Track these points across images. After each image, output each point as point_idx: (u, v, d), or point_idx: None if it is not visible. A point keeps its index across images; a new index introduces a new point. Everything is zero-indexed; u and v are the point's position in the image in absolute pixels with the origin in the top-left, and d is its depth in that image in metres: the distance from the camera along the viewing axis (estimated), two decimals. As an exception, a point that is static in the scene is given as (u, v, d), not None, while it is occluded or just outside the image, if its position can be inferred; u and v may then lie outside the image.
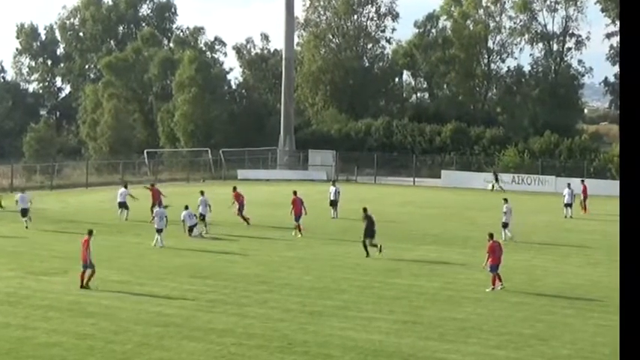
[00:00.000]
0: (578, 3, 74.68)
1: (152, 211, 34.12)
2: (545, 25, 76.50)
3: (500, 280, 22.67)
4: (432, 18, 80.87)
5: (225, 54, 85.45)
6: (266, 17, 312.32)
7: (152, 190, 37.50)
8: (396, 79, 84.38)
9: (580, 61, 76.51)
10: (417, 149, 67.68)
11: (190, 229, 31.96)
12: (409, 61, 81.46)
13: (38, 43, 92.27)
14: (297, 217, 33.17)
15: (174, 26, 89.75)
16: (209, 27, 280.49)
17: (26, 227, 33.89)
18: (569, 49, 76.43)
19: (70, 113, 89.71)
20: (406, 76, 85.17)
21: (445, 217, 40.47)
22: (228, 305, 20.53)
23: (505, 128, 70.79)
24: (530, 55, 78.65)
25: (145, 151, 66.27)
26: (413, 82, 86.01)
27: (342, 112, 75.69)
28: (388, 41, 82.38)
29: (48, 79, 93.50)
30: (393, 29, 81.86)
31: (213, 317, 19.20)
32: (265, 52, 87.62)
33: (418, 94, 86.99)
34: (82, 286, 22.14)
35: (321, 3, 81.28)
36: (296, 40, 76.81)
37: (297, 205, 33.43)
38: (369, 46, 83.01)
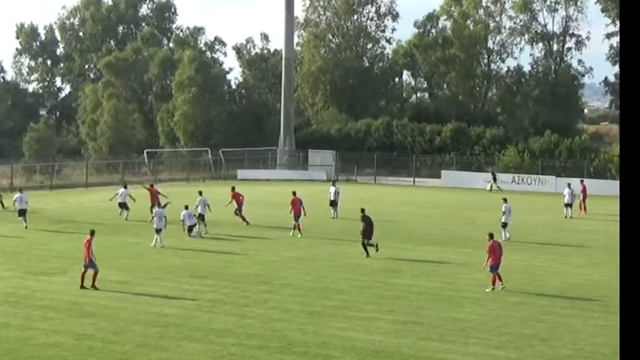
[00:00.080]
0: (578, 3, 74.69)
1: (151, 211, 34.13)
2: (545, 25, 76.57)
3: (500, 280, 22.65)
4: (432, 18, 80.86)
5: (225, 54, 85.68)
6: (266, 17, 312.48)
7: (151, 191, 37.50)
8: (396, 79, 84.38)
9: (580, 61, 76.58)
10: (417, 149, 67.67)
11: (190, 229, 31.95)
12: (409, 61, 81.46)
13: (38, 43, 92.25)
14: (297, 217, 33.18)
15: (174, 26, 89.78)
16: (209, 27, 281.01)
17: (25, 227, 33.88)
18: (570, 49, 76.43)
19: (69, 113, 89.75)
20: (406, 76, 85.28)
21: (445, 217, 40.45)
22: (228, 305, 20.51)
23: (505, 128, 70.81)
24: (531, 55, 78.75)
25: (145, 151, 66.27)
26: (413, 82, 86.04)
27: (342, 112, 75.71)
28: (388, 41, 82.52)
29: (48, 79, 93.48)
30: (393, 29, 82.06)
31: (213, 317, 19.19)
32: (265, 52, 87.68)
33: (418, 94, 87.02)
34: (81, 286, 22.12)
35: (321, 3, 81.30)
36: (296, 40, 76.92)
37: (297, 205, 33.43)
38: (369, 46, 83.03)
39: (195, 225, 32.16)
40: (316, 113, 79.40)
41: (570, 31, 75.75)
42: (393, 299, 21.45)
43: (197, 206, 33.48)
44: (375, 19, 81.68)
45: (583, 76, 77.06)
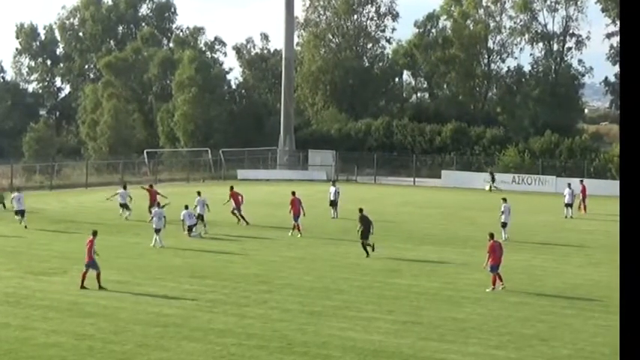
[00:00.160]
0: (579, 3, 74.66)
1: (150, 211, 34.17)
2: (545, 25, 76.55)
3: (500, 280, 22.64)
4: (432, 18, 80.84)
5: (225, 54, 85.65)
6: (266, 17, 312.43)
7: (150, 191, 37.55)
8: (396, 79, 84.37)
9: (580, 61, 76.57)
10: (417, 149, 67.66)
11: (190, 229, 31.96)
12: (409, 61, 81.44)
13: (38, 43, 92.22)
14: (296, 217, 33.17)
15: (173, 26, 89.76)
16: (209, 27, 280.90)
17: (25, 227, 33.92)
18: (570, 48, 76.41)
19: (69, 113, 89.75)
20: (406, 76, 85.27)
21: (445, 217, 40.45)
22: (228, 305, 20.50)
23: (505, 128, 70.79)
24: (531, 54, 78.73)
25: (145, 151, 66.27)
26: (413, 82, 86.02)
27: (342, 112, 75.71)
28: (388, 41, 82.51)
29: (47, 79, 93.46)
30: (393, 29, 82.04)
31: (213, 317, 19.18)
32: (265, 52, 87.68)
33: (418, 94, 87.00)
34: (82, 286, 22.11)
35: (321, 3, 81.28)
36: (296, 40, 76.90)
37: (296, 205, 33.42)
38: (369, 45, 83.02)
39: (195, 225, 32.17)
40: (316, 113, 79.39)
41: (570, 31, 75.78)
42: (393, 299, 21.44)
43: (196, 206, 33.49)
44: (375, 18, 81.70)
45: (583, 75, 77.13)
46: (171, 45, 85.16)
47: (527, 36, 76.79)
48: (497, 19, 78.08)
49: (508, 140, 65.14)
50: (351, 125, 71.92)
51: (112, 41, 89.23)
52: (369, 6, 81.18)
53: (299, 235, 32.58)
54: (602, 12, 74.86)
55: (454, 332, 18.16)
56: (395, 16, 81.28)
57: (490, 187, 54.76)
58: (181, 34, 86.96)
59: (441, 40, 79.09)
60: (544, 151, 62.39)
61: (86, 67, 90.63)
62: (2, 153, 74.09)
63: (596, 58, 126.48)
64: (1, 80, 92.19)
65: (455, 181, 57.76)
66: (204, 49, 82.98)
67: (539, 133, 66.22)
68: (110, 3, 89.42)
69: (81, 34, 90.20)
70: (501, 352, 16.77)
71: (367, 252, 27.91)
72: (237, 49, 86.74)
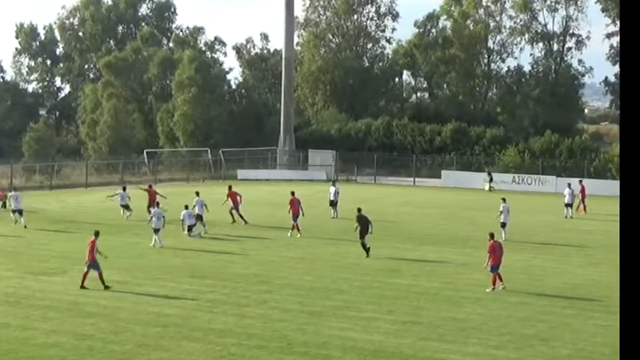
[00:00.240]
0: (579, 3, 74.65)
1: (149, 211, 34.20)
2: (545, 25, 76.55)
3: (501, 280, 22.64)
4: (432, 18, 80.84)
5: (225, 54, 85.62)
6: (266, 17, 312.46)
7: (149, 191, 37.60)
8: (396, 79, 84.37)
9: (580, 61, 76.56)
10: (417, 149, 67.65)
11: (189, 229, 31.96)
12: (409, 60, 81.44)
13: (37, 43, 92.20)
14: (295, 217, 33.16)
15: (173, 26, 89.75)
16: (209, 27, 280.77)
17: (25, 226, 33.95)
18: (570, 48, 76.41)
19: (69, 113, 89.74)
20: (406, 75, 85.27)
21: (445, 217, 40.45)
22: (228, 305, 20.50)
23: (505, 128, 70.79)
24: (531, 54, 78.73)
25: (145, 151, 66.26)
26: (413, 82, 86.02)
27: (342, 112, 75.71)
28: (388, 41, 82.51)
29: (47, 78, 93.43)
30: (393, 29, 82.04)
31: (213, 317, 19.18)
32: (265, 51, 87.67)
33: (418, 94, 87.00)
34: (82, 286, 22.10)
35: (321, 3, 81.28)
36: (296, 39, 76.89)
37: (295, 205, 33.40)
38: (369, 45, 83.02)
39: (194, 225, 32.17)
40: (316, 113, 79.39)
41: (570, 31, 75.78)
42: (393, 299, 21.44)
43: (194, 207, 33.49)
44: (375, 18, 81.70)
45: (583, 75, 77.14)
46: (171, 45, 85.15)
47: (527, 36, 76.80)
48: (498, 19, 78.11)
49: (508, 140, 65.14)
50: (351, 125, 71.92)
51: (111, 41, 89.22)
52: (369, 6, 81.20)
53: (298, 235, 32.58)
54: (602, 12, 74.88)
55: (454, 332, 18.16)
56: (395, 16, 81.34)
57: (489, 187, 54.78)
58: (181, 34, 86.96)
59: (441, 40, 79.10)
60: (544, 151, 62.39)
61: (86, 67, 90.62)
62: (2, 153, 74.08)
63: (596, 58, 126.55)
64: (1, 80, 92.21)
65: (455, 181, 57.76)
66: (204, 49, 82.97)
67: (539, 133, 66.22)
68: (110, 3, 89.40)
69: (81, 33, 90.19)
70: (501, 352, 16.77)
71: (367, 252, 27.91)
72: (237, 49, 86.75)
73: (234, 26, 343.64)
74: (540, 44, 76.94)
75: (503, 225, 32.30)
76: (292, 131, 67.79)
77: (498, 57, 78.91)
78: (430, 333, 18.07)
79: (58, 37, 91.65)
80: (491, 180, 55.48)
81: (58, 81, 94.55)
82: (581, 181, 44.23)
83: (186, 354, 16.28)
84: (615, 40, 73.68)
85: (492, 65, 79.44)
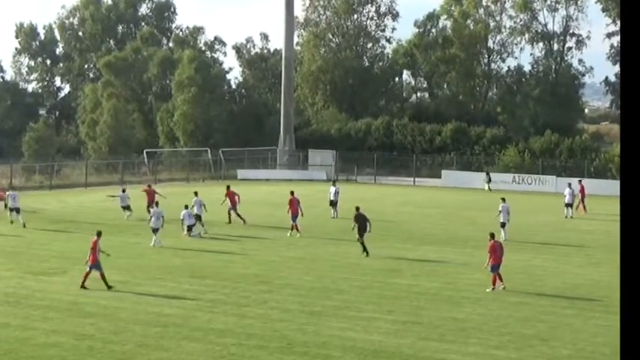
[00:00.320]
0: (579, 2, 74.66)
1: (148, 211, 34.22)
2: (545, 25, 76.56)
3: (501, 280, 22.62)
4: (432, 17, 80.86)
5: (225, 54, 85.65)
6: (266, 17, 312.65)
7: (148, 191, 37.66)
8: (396, 79, 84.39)
9: (580, 61, 76.60)
10: (417, 149, 67.65)
11: (189, 229, 31.96)
12: (409, 60, 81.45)
13: (37, 43, 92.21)
14: (294, 217, 33.13)
15: (173, 26, 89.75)
16: (208, 26, 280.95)
17: (24, 225, 33.99)
18: (570, 48, 76.43)
19: (69, 113, 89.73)
20: (406, 75, 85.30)
21: (445, 217, 40.44)
22: (228, 305, 20.49)
23: (505, 128, 70.80)
24: (531, 54, 78.79)
25: (145, 151, 66.25)
26: (413, 82, 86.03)
27: (342, 112, 75.71)
28: (388, 41, 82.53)
29: (47, 78, 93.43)
30: (393, 29, 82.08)
31: (213, 317, 19.17)
32: (265, 51, 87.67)
33: (418, 94, 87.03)
34: (82, 286, 22.08)
35: (321, 2, 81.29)
36: (296, 39, 76.91)
37: (294, 205, 33.37)
38: (369, 45, 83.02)
39: (194, 225, 32.16)
40: (316, 113, 79.39)
41: (571, 31, 75.79)
42: (393, 299, 21.43)
43: (193, 207, 33.49)
44: (375, 18, 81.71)
45: (583, 75, 77.17)
46: (170, 45, 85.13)
47: (527, 36, 76.81)
48: (498, 18, 78.12)
49: (508, 140, 65.14)
50: (351, 125, 71.91)
51: (111, 41, 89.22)
52: (369, 6, 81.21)
53: (298, 235, 32.56)
54: (603, 11, 74.88)
55: (454, 332, 18.14)
56: (395, 16, 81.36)
57: (489, 187, 54.77)
58: (181, 33, 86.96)
59: (441, 39, 79.11)
60: (544, 151, 62.39)
61: (86, 66, 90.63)
62: (2, 153, 74.04)
63: (596, 58, 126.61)
64: (1, 80, 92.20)
65: (455, 181, 57.75)
66: (203, 48, 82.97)
67: (540, 132, 66.21)
68: (110, 2, 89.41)
69: (80, 33, 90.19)
70: (501, 352, 16.75)
71: (367, 251, 27.89)
72: (237, 49, 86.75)
73: (234, 26, 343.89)
74: (540, 44, 76.98)
75: (503, 225, 32.29)
76: (292, 131, 67.79)
77: (498, 57, 78.97)
78: (430, 333, 18.06)
79: (58, 37, 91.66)
80: (489, 180, 55.48)
81: (57, 81, 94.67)
82: (580, 181, 44.21)
83: (186, 354, 16.27)
84: (615, 40, 73.69)
85: (492, 65, 79.52)
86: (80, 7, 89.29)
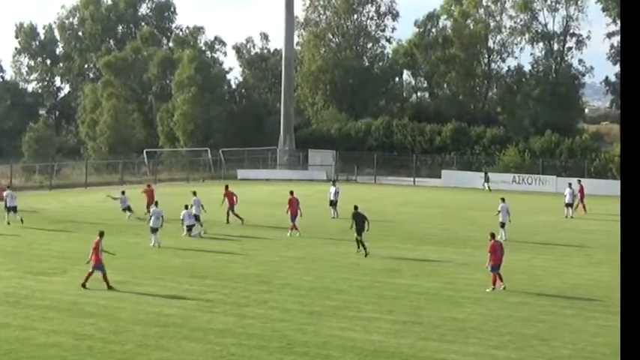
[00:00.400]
0: (579, 2, 74.64)
1: (148, 211, 34.23)
2: (545, 25, 76.55)
3: (501, 280, 22.61)
4: (432, 17, 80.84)
5: (225, 53, 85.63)
6: (266, 17, 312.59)
7: (147, 191, 37.69)
8: (396, 79, 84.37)
9: (581, 61, 76.57)
10: (417, 149, 67.63)
11: (189, 229, 31.95)
12: (409, 60, 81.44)
13: (37, 43, 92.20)
14: (293, 217, 33.11)
15: (173, 26, 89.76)
16: (209, 26, 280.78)
17: (21, 220, 34.09)
18: (570, 48, 76.41)
19: (69, 113, 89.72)
20: (406, 75, 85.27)
21: (445, 217, 40.43)
22: (228, 305, 20.48)
23: (505, 128, 70.78)
24: (531, 54, 78.75)
25: (145, 151, 66.24)
26: (413, 82, 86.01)
27: (342, 112, 75.70)
28: (388, 41, 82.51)
29: (47, 78, 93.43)
30: (393, 28, 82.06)
31: (213, 317, 19.16)
32: (265, 51, 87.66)
33: (418, 94, 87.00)
34: (83, 286, 22.06)
35: (321, 2, 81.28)
36: (296, 39, 76.87)
37: (294, 205, 33.36)
38: (369, 45, 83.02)
39: (194, 225, 32.15)
40: (316, 113, 79.38)
41: (571, 31, 75.77)
42: (393, 299, 21.42)
43: (192, 206, 33.49)
44: (375, 18, 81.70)
45: (584, 75, 77.14)
46: (170, 45, 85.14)
47: (527, 35, 76.79)
48: (498, 18, 78.11)
49: (508, 140, 65.12)
50: (351, 125, 71.89)
51: (111, 41, 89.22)
52: (369, 5, 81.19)
53: (298, 234, 32.56)
54: (603, 11, 74.88)
55: (454, 332, 18.14)
56: (395, 16, 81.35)
57: (489, 187, 54.76)
58: (181, 33, 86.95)
59: (441, 39, 79.09)
60: (544, 151, 62.37)
61: (86, 66, 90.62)
62: (2, 153, 74.03)
63: (596, 58, 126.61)
64: (1, 80, 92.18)
65: (455, 181, 57.74)
66: (204, 48, 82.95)
67: (540, 132, 66.20)
68: (110, 2, 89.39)
69: (80, 33, 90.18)
70: (501, 352, 16.74)
71: (365, 249, 27.88)
72: (237, 49, 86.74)
73: (234, 26, 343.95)
74: (541, 44, 76.96)
75: (503, 225, 32.29)
76: (292, 131, 67.78)
77: (498, 57, 78.95)
78: (430, 333, 18.05)
79: (58, 37, 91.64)
80: (487, 180, 55.49)
81: (57, 81, 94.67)
82: (579, 181, 44.17)
83: (186, 354, 16.26)
84: (616, 40, 73.69)
85: (492, 65, 79.49)
86: (80, 7, 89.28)
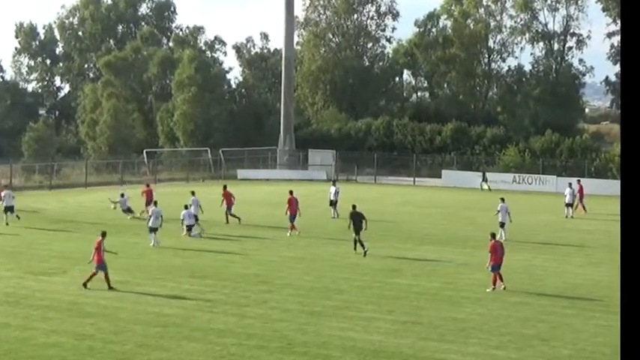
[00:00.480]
0: (579, 2, 74.65)
1: (148, 210, 34.21)
2: (546, 25, 76.55)
3: (501, 280, 22.60)
4: (432, 17, 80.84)
5: (225, 53, 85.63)
6: (266, 16, 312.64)
7: (146, 191, 37.69)
8: (397, 79, 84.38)
9: (581, 60, 76.57)
10: (417, 149, 67.63)
11: (189, 229, 31.95)
12: (409, 60, 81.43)
13: (37, 43, 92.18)
14: (293, 217, 33.09)
15: (173, 25, 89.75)
16: (209, 26, 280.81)
17: (17, 217, 34.18)
18: (570, 48, 76.41)
19: (69, 113, 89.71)
20: (406, 75, 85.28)
21: (445, 217, 40.42)
22: (228, 305, 20.47)
23: (506, 128, 70.77)
24: (531, 54, 78.75)
25: (145, 151, 66.23)
26: (413, 82, 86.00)
27: (342, 112, 75.69)
28: (388, 40, 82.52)
29: (47, 78, 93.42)
30: (394, 28, 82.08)
31: (213, 317, 19.15)
32: (265, 51, 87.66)
33: (418, 94, 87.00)
34: (84, 285, 22.04)
35: (321, 2, 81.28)
36: (296, 39, 76.89)
37: (293, 205, 33.34)
38: (369, 45, 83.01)
39: (194, 225, 32.15)
40: (316, 113, 79.37)
41: (571, 30, 75.78)
42: (393, 299, 21.41)
43: (190, 206, 33.50)
44: (376, 18, 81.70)
45: (584, 75, 77.15)
46: (170, 44, 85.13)
47: (527, 35, 76.80)
48: (498, 18, 78.12)
49: (508, 140, 65.11)
50: (351, 125, 71.89)
51: (111, 40, 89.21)
52: (370, 5, 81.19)
53: (297, 234, 32.55)
54: (603, 11, 74.88)
55: (454, 332, 18.13)
56: (395, 16, 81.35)
57: (488, 187, 54.74)
58: (181, 33, 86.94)
59: (442, 39, 79.09)
60: (544, 151, 62.36)
61: (86, 66, 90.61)
62: (2, 153, 74.00)
63: (596, 58, 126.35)
64: (1, 80, 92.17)
65: (455, 181, 57.72)
66: (204, 48, 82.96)
67: (540, 132, 66.19)
68: (110, 2, 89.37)
69: (80, 33, 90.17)
70: (502, 352, 16.73)
71: (364, 248, 27.87)
72: (237, 49, 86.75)
73: (234, 26, 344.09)
74: (541, 44, 76.95)
75: (502, 225, 32.28)
76: (292, 131, 67.78)
77: (499, 56, 78.95)
78: (430, 333, 18.04)
79: (58, 37, 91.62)
80: (485, 180, 55.48)
81: (57, 80, 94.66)
82: (579, 181, 44.13)
83: (186, 354, 16.25)
84: (616, 40, 73.68)
85: (493, 65, 79.51)
86: (80, 7, 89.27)
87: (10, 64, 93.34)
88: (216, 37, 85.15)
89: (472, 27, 78.18)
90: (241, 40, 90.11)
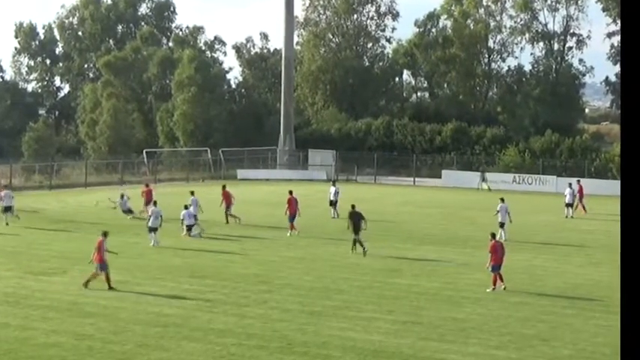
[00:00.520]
0: (579, 2, 74.63)
1: (147, 210, 34.20)
2: (545, 25, 76.55)
3: (501, 280, 22.60)
4: (432, 17, 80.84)
5: (225, 53, 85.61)
6: (266, 16, 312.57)
7: (146, 191, 37.70)
8: (396, 79, 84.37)
9: (581, 61, 76.54)
10: (417, 149, 67.63)
11: (189, 229, 31.95)
12: (409, 60, 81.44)
13: (37, 43, 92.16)
14: (292, 217, 33.09)
15: (173, 25, 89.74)
16: (208, 26, 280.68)
17: (17, 217, 34.14)
18: (570, 48, 76.39)
19: (69, 113, 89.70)
20: (406, 75, 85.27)
21: (445, 217, 40.42)
22: (228, 305, 20.47)
23: (506, 128, 70.75)
24: (531, 54, 78.71)
25: (144, 151, 66.23)
26: (413, 82, 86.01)
27: (342, 112, 75.69)
28: (388, 40, 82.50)
29: (47, 78, 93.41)
30: (393, 28, 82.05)
31: (213, 317, 19.15)
32: (265, 51, 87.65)
33: (418, 94, 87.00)
34: (85, 285, 22.04)
35: (321, 2, 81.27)
36: (296, 39, 76.88)
37: (292, 205, 33.34)
38: (369, 45, 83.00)
39: (194, 225, 32.15)
40: (316, 113, 79.37)
41: (571, 31, 75.77)
42: (393, 299, 21.41)
43: (191, 206, 33.50)
44: (375, 18, 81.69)
45: (584, 75, 77.13)
46: (170, 44, 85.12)
47: (527, 35, 76.79)
48: (498, 18, 78.12)
49: (508, 140, 65.11)
50: (351, 125, 71.88)
51: (111, 40, 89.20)
52: (369, 5, 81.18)
53: (296, 233, 32.56)
54: (603, 11, 74.87)
55: (454, 332, 18.13)
56: (395, 16, 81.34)
57: (488, 187, 54.73)
58: (181, 33, 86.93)
59: (442, 39, 79.09)
60: (544, 151, 62.37)
61: (85, 66, 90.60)
62: (1, 153, 73.98)
63: (596, 58, 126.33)
64: (1, 80, 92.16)
65: (455, 181, 57.72)
66: (203, 48, 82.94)
67: (540, 132, 66.19)
68: (109, 2, 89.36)
69: (80, 33, 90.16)
70: (502, 353, 16.73)
71: (364, 248, 27.87)
72: (237, 49, 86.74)
73: (234, 26, 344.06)
74: (541, 44, 76.95)
75: (502, 225, 32.28)
76: (292, 131, 67.78)
77: (499, 56, 78.94)
78: (430, 333, 18.04)
79: (58, 37, 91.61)
80: (483, 180, 55.47)
81: (57, 80, 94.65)
82: (579, 181, 44.12)
83: (186, 354, 16.25)
84: (616, 40, 73.67)
85: (493, 65, 79.49)
86: (80, 7, 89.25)
87: (9, 64, 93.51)
88: (216, 37, 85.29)
89: (472, 27, 78.18)
90: (241, 40, 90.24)
